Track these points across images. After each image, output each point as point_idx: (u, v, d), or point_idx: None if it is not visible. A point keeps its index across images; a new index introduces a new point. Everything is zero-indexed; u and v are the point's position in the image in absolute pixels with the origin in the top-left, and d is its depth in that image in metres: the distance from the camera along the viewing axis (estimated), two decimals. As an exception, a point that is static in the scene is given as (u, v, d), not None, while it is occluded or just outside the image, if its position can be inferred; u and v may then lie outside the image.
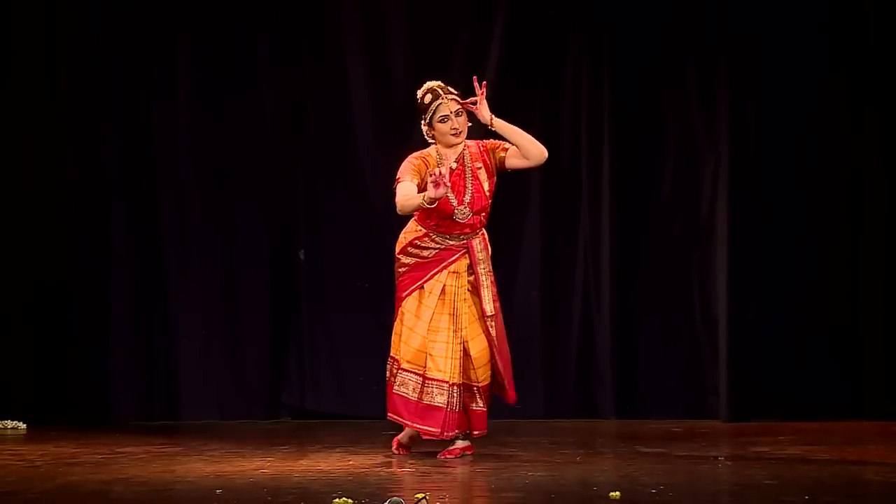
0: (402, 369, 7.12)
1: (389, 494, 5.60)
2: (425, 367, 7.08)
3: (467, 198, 7.11)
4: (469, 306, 7.16)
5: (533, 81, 9.17)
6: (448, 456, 7.11)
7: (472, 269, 7.16)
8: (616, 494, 5.76)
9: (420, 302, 7.14)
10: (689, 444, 7.83)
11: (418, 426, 7.12)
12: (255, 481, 6.37)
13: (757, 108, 8.99)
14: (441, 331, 7.11)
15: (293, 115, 9.21)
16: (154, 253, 9.14)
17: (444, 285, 7.13)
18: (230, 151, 9.18)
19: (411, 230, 7.21)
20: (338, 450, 7.50)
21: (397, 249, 7.25)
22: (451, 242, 7.16)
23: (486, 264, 7.18)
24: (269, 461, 7.05)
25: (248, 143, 9.18)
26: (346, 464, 6.94)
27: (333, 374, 9.17)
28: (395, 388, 7.15)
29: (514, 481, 6.33)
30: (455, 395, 7.06)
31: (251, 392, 9.16)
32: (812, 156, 9.03)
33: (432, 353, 7.07)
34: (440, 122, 7.12)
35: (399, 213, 7.04)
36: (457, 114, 7.13)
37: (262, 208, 9.20)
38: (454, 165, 7.15)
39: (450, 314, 7.12)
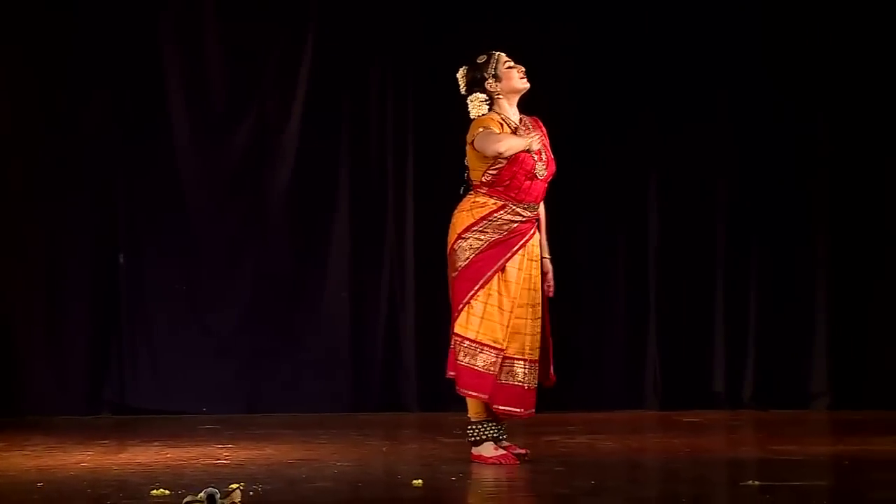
0: (508, 357, 6.65)
1: (204, 486, 5.59)
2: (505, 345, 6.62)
3: (543, 154, 6.68)
4: (539, 285, 6.72)
5: (340, 95, 9.28)
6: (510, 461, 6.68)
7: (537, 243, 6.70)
8: (419, 482, 5.94)
9: (507, 280, 6.62)
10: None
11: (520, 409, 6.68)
12: (75, 475, 6.38)
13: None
14: (525, 307, 6.65)
15: (115, 122, 9.18)
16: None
17: (525, 260, 6.64)
18: (53, 156, 9.14)
19: (480, 205, 6.64)
20: (156, 443, 7.50)
21: (461, 228, 6.64)
22: (528, 213, 6.63)
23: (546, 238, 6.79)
24: (89, 455, 7.03)
25: (70, 147, 9.15)
26: (164, 457, 6.97)
27: (152, 371, 9.16)
28: (503, 378, 6.65)
29: (324, 471, 6.46)
30: (533, 371, 6.69)
31: (72, 389, 9.08)
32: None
33: (521, 331, 6.65)
34: (508, 68, 6.69)
35: (496, 153, 6.51)
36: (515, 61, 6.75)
37: (82, 213, 9.14)
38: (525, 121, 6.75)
39: (528, 289, 6.65)
